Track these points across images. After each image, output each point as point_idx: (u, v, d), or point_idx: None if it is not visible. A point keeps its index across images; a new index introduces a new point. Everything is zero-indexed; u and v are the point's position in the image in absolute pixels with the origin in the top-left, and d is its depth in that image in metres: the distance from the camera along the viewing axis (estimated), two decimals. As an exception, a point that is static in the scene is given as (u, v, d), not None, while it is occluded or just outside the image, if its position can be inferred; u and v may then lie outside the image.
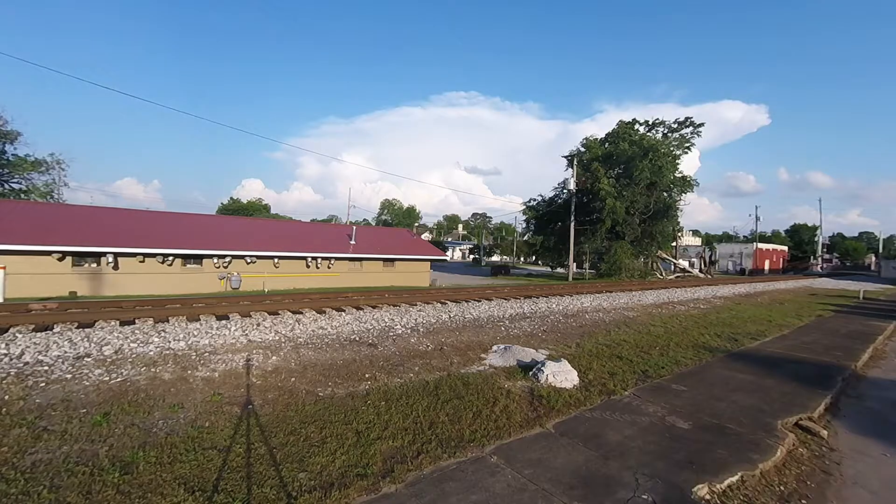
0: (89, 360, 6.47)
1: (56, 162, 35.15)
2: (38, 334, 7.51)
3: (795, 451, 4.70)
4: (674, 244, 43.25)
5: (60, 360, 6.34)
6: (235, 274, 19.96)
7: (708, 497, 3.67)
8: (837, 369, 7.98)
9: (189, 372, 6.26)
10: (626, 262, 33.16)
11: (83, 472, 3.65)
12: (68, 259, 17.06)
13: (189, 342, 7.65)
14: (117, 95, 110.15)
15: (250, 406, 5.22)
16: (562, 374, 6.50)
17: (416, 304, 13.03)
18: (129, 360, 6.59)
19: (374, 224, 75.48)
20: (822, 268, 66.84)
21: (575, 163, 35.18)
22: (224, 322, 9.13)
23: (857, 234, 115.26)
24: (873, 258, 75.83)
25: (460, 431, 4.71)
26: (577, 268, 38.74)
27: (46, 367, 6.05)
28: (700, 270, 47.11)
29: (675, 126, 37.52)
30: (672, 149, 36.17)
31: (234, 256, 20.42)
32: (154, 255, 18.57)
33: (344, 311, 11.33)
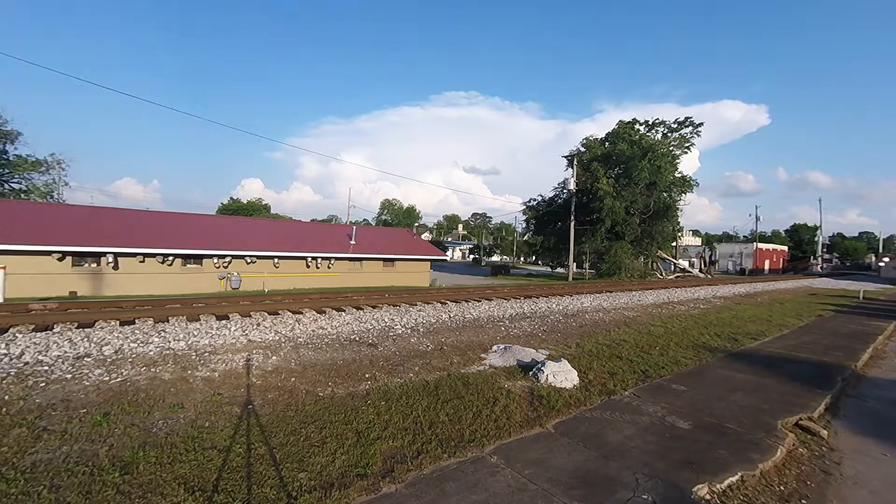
0: (89, 360, 6.47)
1: (56, 162, 35.27)
2: (38, 334, 7.51)
3: (795, 450, 4.70)
4: (674, 244, 43.23)
5: (60, 360, 6.35)
6: (235, 274, 19.96)
7: (708, 497, 3.67)
8: (837, 369, 7.97)
9: (189, 372, 6.26)
10: (626, 262, 33.17)
11: (83, 472, 3.65)
12: (68, 259, 17.07)
13: (189, 342, 7.66)
14: (117, 95, 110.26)
15: (250, 406, 5.22)
16: (562, 374, 6.50)
17: (416, 304, 13.03)
18: (129, 360, 6.59)
19: (374, 224, 75.43)
20: (822, 268, 66.82)
21: (575, 163, 35.16)
22: (224, 322, 9.13)
23: (857, 234, 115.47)
24: (874, 258, 75.81)
25: (460, 431, 4.71)
26: (577, 268, 38.75)
27: (46, 367, 6.05)
28: (700, 270, 47.12)
29: (675, 126, 37.55)
30: (671, 149, 36.19)
31: (234, 256, 20.43)
32: (154, 255, 18.57)
33: (344, 311, 11.33)
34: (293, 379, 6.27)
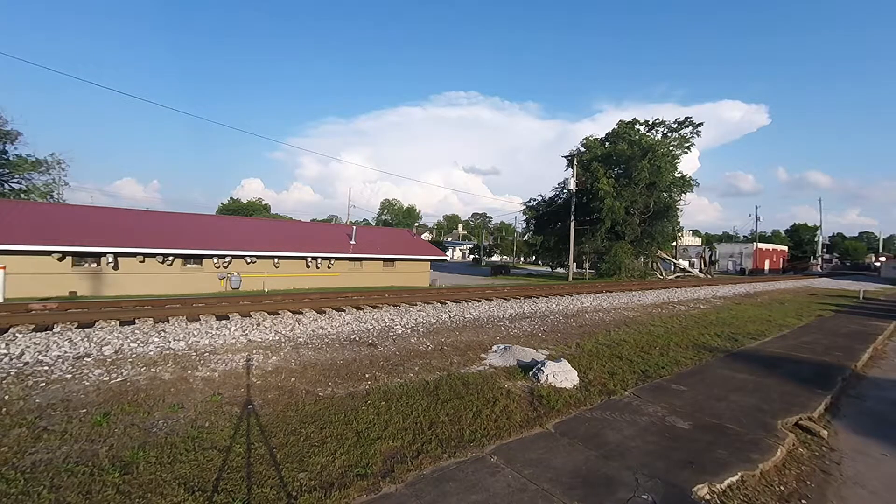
0: (89, 360, 6.47)
1: (56, 162, 35.16)
2: (38, 334, 7.51)
3: (795, 450, 4.70)
4: (674, 244, 43.24)
5: (60, 360, 6.35)
6: (235, 274, 19.95)
7: (708, 497, 3.67)
8: (837, 369, 7.97)
9: (189, 372, 6.26)
10: (626, 262, 33.20)
11: (83, 472, 3.65)
12: (68, 259, 17.07)
13: (189, 342, 7.65)
14: (117, 95, 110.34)
15: (250, 406, 5.22)
16: (562, 374, 6.50)
17: (416, 304, 13.02)
18: (129, 360, 6.59)
19: (374, 224, 75.45)
20: (822, 268, 66.86)
21: (575, 163, 35.18)
22: (224, 322, 9.13)
23: (857, 234, 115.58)
24: (873, 258, 75.85)
25: (460, 431, 4.71)
26: (577, 268, 38.76)
27: (46, 367, 6.05)
28: (700, 270, 47.11)
29: (675, 126, 37.57)
30: (671, 149, 36.20)
31: (234, 256, 20.42)
32: (154, 255, 18.57)
33: (344, 311, 11.33)
34: (293, 379, 6.27)
